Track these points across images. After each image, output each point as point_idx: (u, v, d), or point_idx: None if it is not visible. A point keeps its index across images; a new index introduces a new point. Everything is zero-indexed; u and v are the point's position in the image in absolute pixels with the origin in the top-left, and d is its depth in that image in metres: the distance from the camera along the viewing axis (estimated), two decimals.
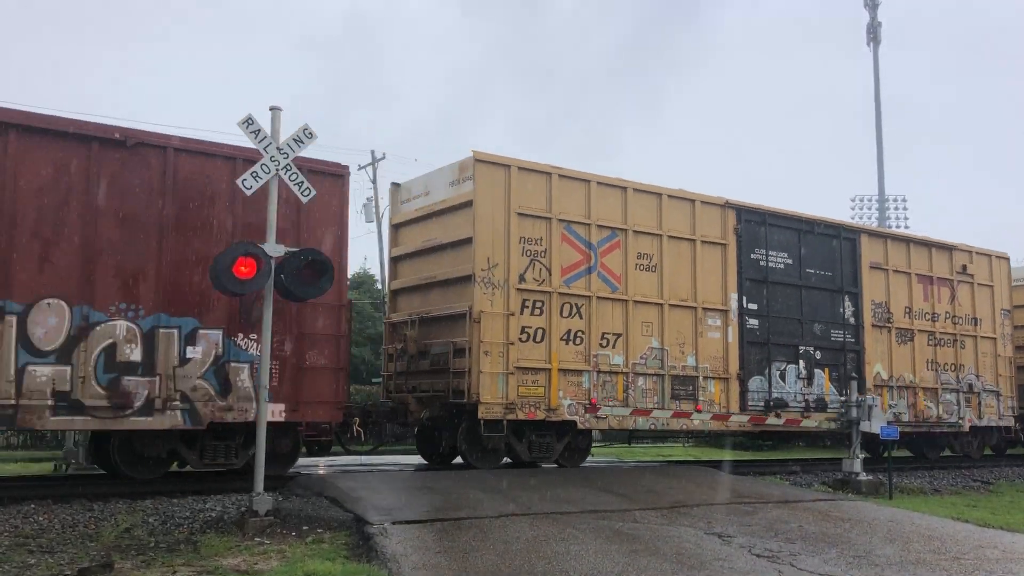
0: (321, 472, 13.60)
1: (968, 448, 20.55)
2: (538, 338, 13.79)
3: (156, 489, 10.81)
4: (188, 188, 11.03)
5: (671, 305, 15.22)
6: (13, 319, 9.87)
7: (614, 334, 14.55)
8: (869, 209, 59.04)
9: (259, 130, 9.35)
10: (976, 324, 20.15)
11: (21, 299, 9.95)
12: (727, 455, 22.95)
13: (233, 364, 11.13)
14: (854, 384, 15.57)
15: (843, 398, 17.47)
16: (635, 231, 14.94)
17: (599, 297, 14.42)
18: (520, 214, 13.80)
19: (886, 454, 21.03)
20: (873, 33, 47.56)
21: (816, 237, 17.60)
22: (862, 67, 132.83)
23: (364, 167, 37.63)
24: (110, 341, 10.40)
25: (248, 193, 9.41)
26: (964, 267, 20.03)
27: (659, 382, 14.98)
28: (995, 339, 20.45)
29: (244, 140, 9.69)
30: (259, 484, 9.11)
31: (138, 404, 10.48)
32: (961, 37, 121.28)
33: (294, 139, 9.53)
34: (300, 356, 11.65)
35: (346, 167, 12.40)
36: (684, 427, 15.67)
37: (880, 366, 18.33)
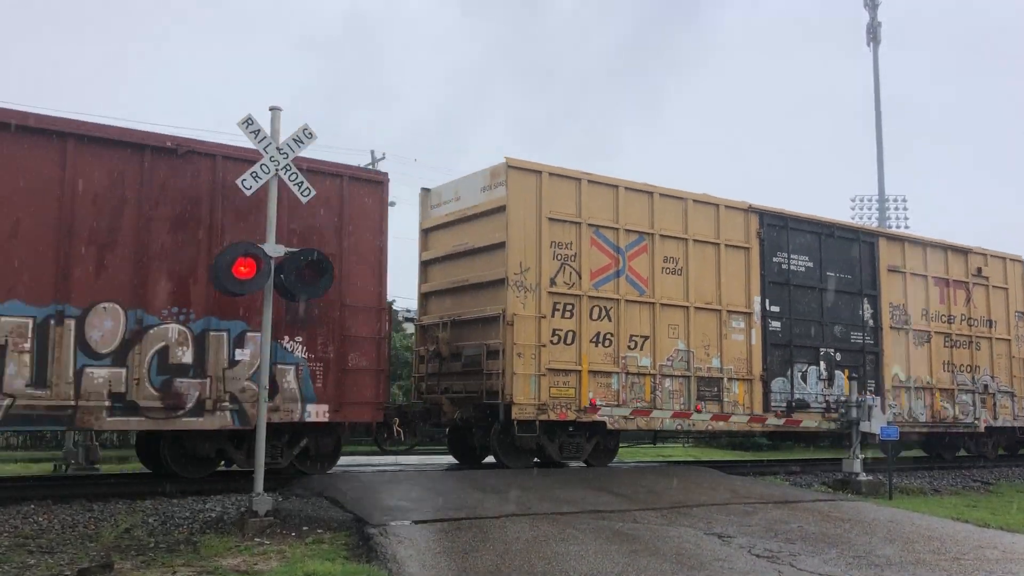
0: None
1: (983, 448, 20.84)
2: (569, 340, 14.10)
3: (156, 489, 10.95)
4: (235, 195, 11.31)
5: (696, 308, 15.53)
6: (72, 323, 10.18)
7: (642, 336, 14.85)
8: (869, 209, 59.25)
9: (259, 130, 9.45)
10: (991, 326, 20.44)
11: (79, 303, 10.26)
12: (727, 455, 23.24)
13: (280, 366, 11.44)
14: (854, 384, 15.69)
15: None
16: (662, 235, 15.25)
17: (627, 300, 14.73)
18: (551, 219, 14.10)
19: (898, 454, 21.53)
20: (873, 33, 47.77)
21: (836, 241, 17.91)
22: (862, 67, 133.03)
23: (366, 167, 37.94)
24: (163, 344, 10.71)
25: (248, 193, 9.53)
26: (979, 270, 20.32)
27: (685, 383, 15.28)
28: (1009, 341, 20.73)
29: (245, 140, 9.79)
30: (259, 484, 9.20)
31: (189, 405, 10.79)
32: (961, 37, 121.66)
33: (294, 139, 9.63)
34: (343, 358, 11.96)
35: (385, 174, 12.74)
36: (683, 427, 15.76)
37: (898, 367, 18.62)
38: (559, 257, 14.14)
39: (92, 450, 14.62)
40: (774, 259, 16.82)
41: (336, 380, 11.88)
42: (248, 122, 9.34)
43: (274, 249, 9.47)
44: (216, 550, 7.94)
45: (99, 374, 10.28)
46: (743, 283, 16.27)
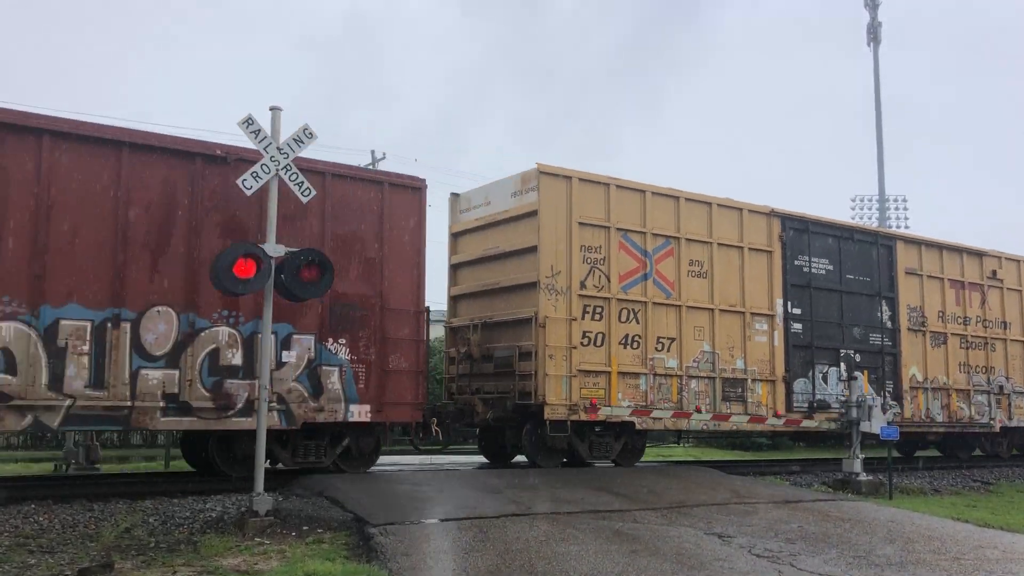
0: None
1: (998, 448, 21.15)
2: (598, 342, 14.41)
3: (156, 489, 11.11)
4: (281, 202, 11.63)
5: (721, 310, 15.84)
6: (128, 326, 10.51)
7: (668, 338, 15.16)
8: (869, 209, 59.39)
9: (259, 130, 9.44)
10: (1005, 328, 20.74)
11: (134, 307, 10.58)
12: (727, 455, 23.46)
13: (324, 367, 11.76)
14: (854, 384, 15.75)
15: (881, 400, 18.19)
16: (687, 239, 15.56)
17: (654, 303, 15.04)
18: (581, 223, 14.42)
19: (913, 453, 21.85)
20: (873, 33, 48.03)
21: (855, 244, 18.22)
22: (862, 67, 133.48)
23: (367, 167, 38.15)
24: (213, 346, 11.03)
25: (248, 193, 9.52)
26: (994, 272, 20.63)
27: (710, 384, 15.59)
28: (1023, 342, 21.05)
29: (247, 140, 9.76)
30: (259, 484, 9.20)
31: (239, 405, 11.11)
32: (961, 37, 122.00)
33: (294, 139, 9.63)
34: (384, 360, 12.27)
35: (423, 180, 13.03)
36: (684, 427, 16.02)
37: (915, 368, 18.93)
38: (588, 261, 14.45)
39: (92, 450, 14.64)
40: (795, 262, 17.13)
41: (377, 381, 12.19)
42: (248, 122, 9.36)
43: (274, 249, 9.48)
44: (216, 550, 7.94)
45: (153, 375, 10.60)
46: (766, 286, 16.58)
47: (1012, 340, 20.80)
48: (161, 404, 10.63)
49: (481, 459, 16.46)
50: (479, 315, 15.37)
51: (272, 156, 9.49)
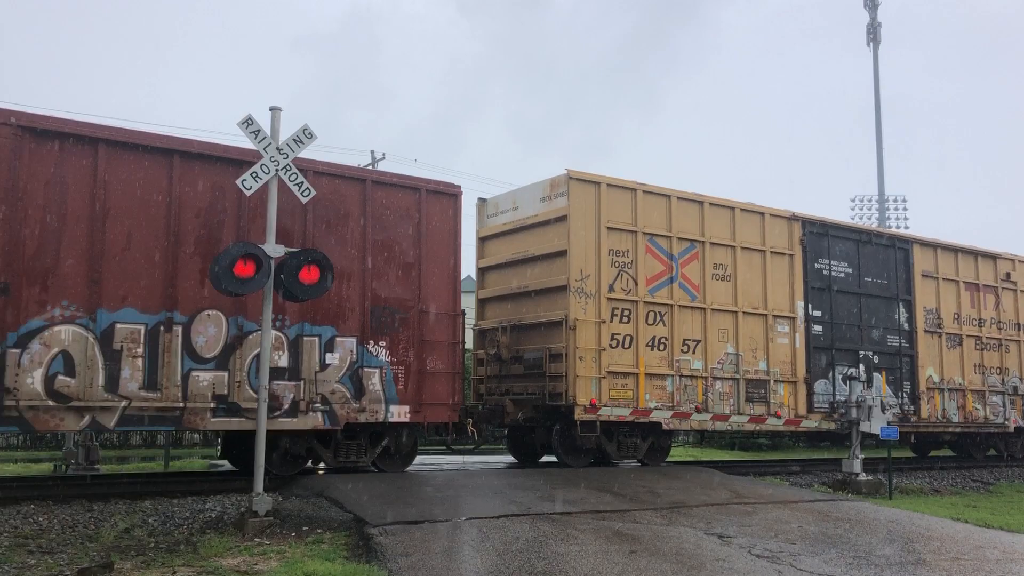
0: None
1: (1012, 448, 21.44)
2: (626, 344, 14.71)
3: (156, 489, 11.24)
4: (325, 208, 11.98)
5: (744, 313, 16.14)
6: (179, 329, 10.82)
7: (694, 340, 15.47)
8: (869, 209, 59.48)
9: (259, 130, 9.45)
10: (1019, 329, 21.04)
11: (185, 311, 10.90)
12: (727, 455, 23.64)
13: (366, 369, 12.07)
14: (854, 384, 15.93)
15: (899, 400, 18.52)
16: (711, 243, 15.87)
17: (680, 305, 15.35)
18: (609, 228, 14.72)
19: (928, 454, 22.17)
20: (873, 33, 48.28)
21: (873, 247, 18.53)
22: (862, 66, 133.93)
23: (365, 167, 38.27)
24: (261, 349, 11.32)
25: (248, 193, 9.55)
26: (1008, 274, 20.94)
27: (735, 386, 15.90)
28: None
29: (246, 141, 9.74)
30: (259, 484, 9.23)
31: (285, 406, 11.42)
32: (962, 34, 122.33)
33: (294, 139, 9.63)
34: (422, 362, 12.58)
35: (459, 187, 13.33)
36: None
37: (932, 370, 19.24)
38: (616, 264, 14.76)
39: (92, 450, 14.70)
40: (815, 265, 17.44)
41: (416, 382, 12.50)
42: (248, 122, 9.37)
43: (274, 249, 9.47)
44: (216, 550, 7.96)
45: (204, 377, 10.91)
46: (787, 288, 16.89)
47: None
48: (211, 405, 10.94)
49: (508, 459, 16.74)
50: (508, 318, 15.68)
51: (272, 156, 9.50)
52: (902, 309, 18.86)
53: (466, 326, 13.65)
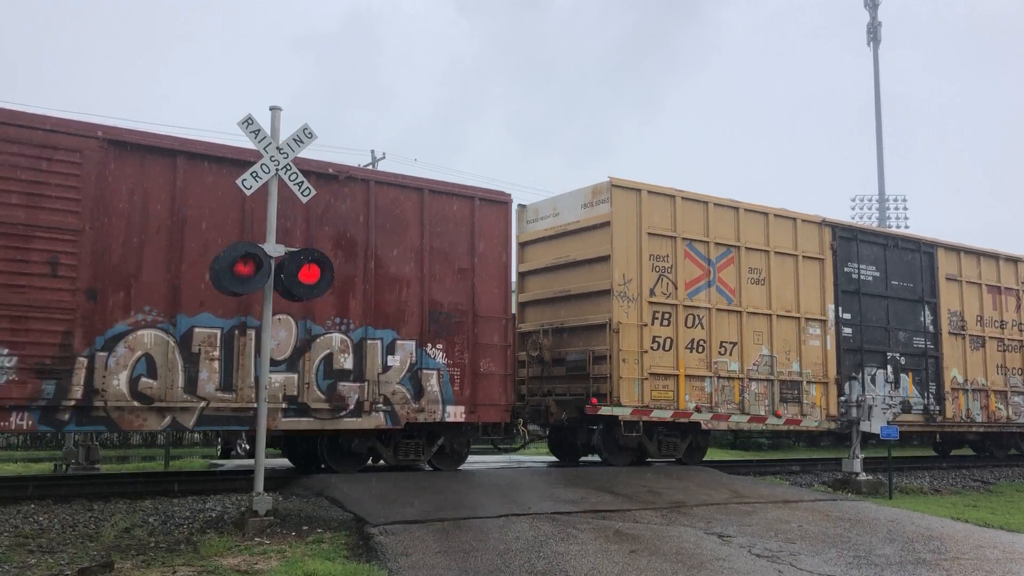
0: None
1: None
2: (667, 347, 15.19)
3: (156, 489, 11.33)
4: (386, 216, 12.46)
5: (778, 316, 16.62)
6: (253, 333, 11.28)
7: (730, 342, 15.95)
8: (869, 209, 59.95)
9: (259, 130, 9.46)
10: None
11: (258, 315, 11.28)
12: (727, 455, 23.92)
13: (424, 371, 12.54)
14: (854, 384, 16.01)
15: (924, 401, 18.99)
16: (747, 248, 16.35)
17: (718, 309, 15.83)
18: (650, 233, 15.21)
19: (949, 452, 22.61)
20: (873, 33, 48.70)
21: (899, 251, 19.01)
22: (862, 65, 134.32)
23: (365, 167, 38.34)
24: (328, 351, 11.82)
25: (248, 193, 9.54)
26: None
27: (769, 387, 16.38)
28: None
29: (246, 141, 9.78)
30: (259, 484, 9.24)
31: (351, 406, 11.89)
32: (962, 36, 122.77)
33: (294, 139, 9.63)
34: (476, 364, 13.05)
35: (509, 195, 13.82)
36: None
37: (956, 371, 19.71)
38: (657, 269, 15.24)
39: (92, 450, 14.78)
40: (845, 269, 17.91)
41: (470, 384, 12.97)
42: (248, 122, 9.38)
43: (274, 249, 9.45)
44: (216, 550, 7.95)
45: (276, 379, 11.37)
46: (818, 292, 17.37)
47: None
48: (283, 405, 11.41)
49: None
50: (549, 321, 16.15)
51: (272, 156, 9.50)
52: (927, 311, 19.34)
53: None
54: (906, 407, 18.55)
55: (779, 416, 16.29)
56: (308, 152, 10.22)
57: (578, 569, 7.53)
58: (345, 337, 11.97)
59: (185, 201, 11.03)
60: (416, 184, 12.79)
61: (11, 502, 10.00)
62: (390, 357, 12.31)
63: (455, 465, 13.48)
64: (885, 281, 18.63)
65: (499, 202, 13.62)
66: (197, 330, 10.94)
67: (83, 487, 11.19)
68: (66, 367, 10.06)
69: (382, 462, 12.99)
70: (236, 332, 11.20)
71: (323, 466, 12.72)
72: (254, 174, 9.45)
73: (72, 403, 10.08)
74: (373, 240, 12.29)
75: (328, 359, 11.81)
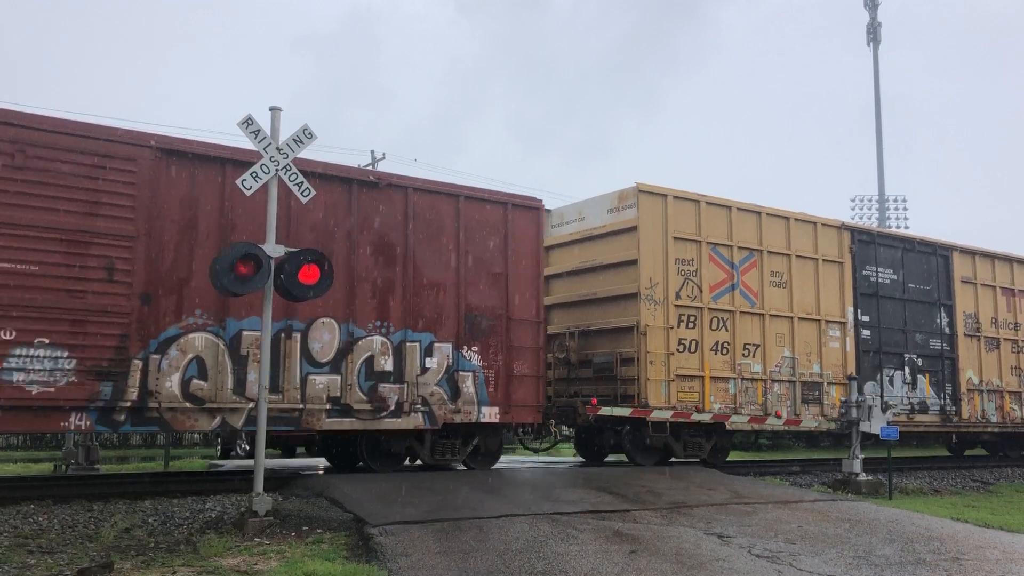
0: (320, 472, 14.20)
1: None
2: (692, 349, 15.51)
3: (155, 489, 11.42)
4: (423, 222, 12.78)
5: (799, 318, 16.94)
6: (298, 336, 11.62)
7: (753, 344, 16.27)
8: (869, 209, 60.07)
9: (259, 130, 9.45)
10: None
11: (303, 319, 11.70)
12: (728, 455, 24.08)
13: (461, 373, 12.86)
14: (853, 384, 16.09)
15: (941, 402, 19.31)
16: (769, 251, 16.67)
17: (741, 311, 16.15)
18: (675, 238, 15.53)
19: (963, 453, 22.93)
20: (873, 33, 48.95)
21: (915, 255, 19.33)
22: (862, 65, 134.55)
23: (364, 167, 38.56)
24: (369, 354, 12.14)
25: (247, 193, 9.52)
26: None
27: (791, 388, 16.69)
28: None
29: (246, 142, 9.75)
30: (259, 484, 9.26)
31: (391, 407, 12.21)
32: (962, 36, 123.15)
33: (294, 139, 9.64)
34: (509, 366, 13.37)
35: (540, 201, 14.15)
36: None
37: (972, 372, 20.03)
38: (682, 273, 15.56)
39: (92, 450, 14.83)
40: (863, 272, 18.24)
41: (504, 385, 13.30)
42: (248, 122, 9.39)
43: (274, 249, 9.47)
44: (216, 550, 7.96)
45: (320, 381, 11.71)
46: (838, 294, 17.69)
47: None
48: (327, 406, 11.74)
49: (557, 459, 17.54)
50: (575, 323, 16.46)
51: (272, 156, 9.50)
52: (943, 314, 19.65)
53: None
54: (923, 408, 18.87)
55: (779, 417, 16.51)
56: (310, 153, 10.27)
57: (578, 569, 7.56)
58: (385, 340, 12.29)
59: (233, 207, 11.35)
60: (452, 191, 13.12)
61: (11, 502, 10.07)
62: (428, 359, 12.63)
63: (489, 464, 13.81)
64: (902, 284, 18.95)
65: (531, 208, 13.95)
66: (245, 333, 11.26)
67: (83, 487, 11.28)
68: (122, 369, 10.39)
69: (418, 462, 13.30)
70: (282, 335, 11.51)
71: (361, 465, 13.06)
72: (254, 174, 9.46)
73: (128, 404, 10.41)
74: (411, 245, 12.62)
75: (369, 361, 12.13)
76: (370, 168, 37.36)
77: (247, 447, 13.99)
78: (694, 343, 15.54)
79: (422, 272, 12.73)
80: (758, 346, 16.33)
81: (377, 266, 12.35)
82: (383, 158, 38.89)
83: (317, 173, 11.99)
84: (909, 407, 18.58)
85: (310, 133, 9.72)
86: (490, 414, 13.12)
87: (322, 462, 16.70)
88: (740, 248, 16.32)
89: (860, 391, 16.98)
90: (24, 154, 10.03)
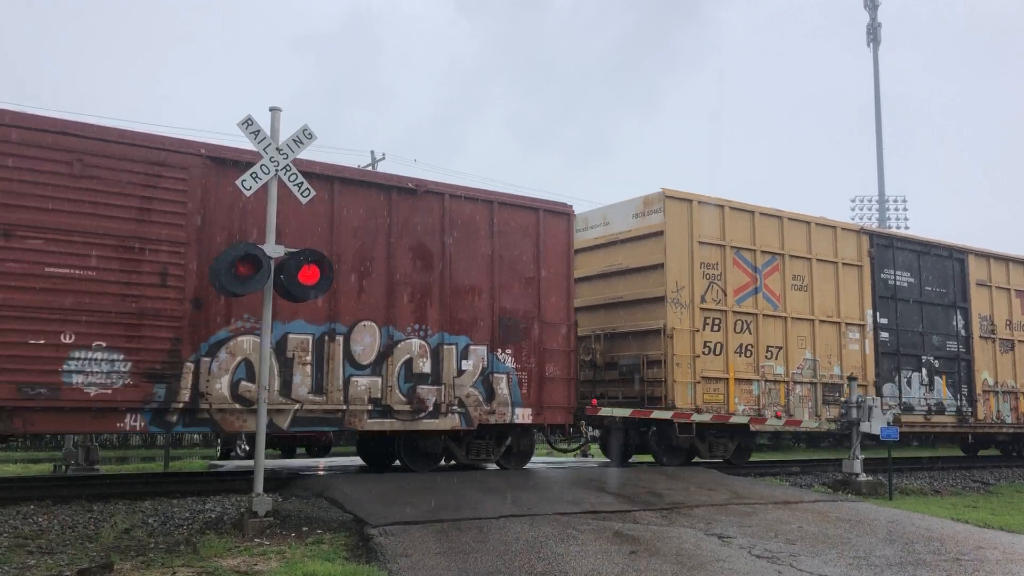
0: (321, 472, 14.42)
1: None
2: (717, 351, 15.83)
3: (155, 490, 11.53)
4: (459, 227, 13.10)
5: (820, 321, 17.25)
6: (341, 339, 11.94)
7: (776, 347, 16.57)
8: (869, 209, 60.33)
9: (259, 131, 9.48)
10: None
11: (345, 322, 12.02)
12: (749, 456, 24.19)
13: (495, 375, 13.17)
14: (854, 384, 16.16)
15: (957, 403, 19.60)
16: (790, 255, 16.98)
17: (764, 314, 16.46)
18: (700, 242, 15.84)
19: (976, 453, 23.23)
20: (873, 34, 49.18)
21: (932, 258, 19.64)
22: (862, 65, 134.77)
23: (364, 167, 38.67)
24: (408, 356, 12.46)
25: (247, 194, 9.57)
26: None
27: (812, 389, 17.00)
28: None
29: (249, 142, 9.75)
30: (259, 485, 9.27)
31: (429, 408, 12.53)
32: (962, 36, 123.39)
33: (294, 140, 9.66)
34: (541, 368, 13.68)
35: (571, 207, 14.46)
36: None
37: (987, 373, 20.33)
38: (707, 276, 15.87)
39: (92, 450, 14.83)
40: (881, 275, 18.55)
41: (537, 387, 13.61)
42: (248, 122, 9.41)
43: (274, 249, 9.48)
44: (216, 550, 7.97)
45: (362, 382, 12.03)
46: (857, 297, 18.00)
47: None
48: (368, 407, 12.05)
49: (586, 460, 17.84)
50: (600, 326, 16.77)
51: (272, 157, 9.53)
52: (959, 316, 19.96)
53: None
54: (940, 409, 19.17)
55: (779, 417, 16.64)
56: (311, 153, 10.28)
57: (578, 570, 7.58)
58: (423, 342, 12.61)
59: (279, 215, 11.62)
60: (486, 197, 13.44)
61: (11, 503, 10.13)
62: (464, 361, 12.93)
63: (521, 464, 14.12)
64: (919, 287, 19.26)
65: (561, 213, 14.26)
66: (291, 336, 11.58)
67: (83, 487, 11.36)
68: (175, 371, 10.70)
69: (452, 461, 13.60)
70: (326, 338, 11.83)
71: (397, 464, 13.38)
72: (254, 175, 9.50)
73: (180, 405, 10.73)
74: (448, 250, 12.93)
75: (408, 363, 12.44)
76: (369, 168, 37.69)
77: (247, 447, 14.28)
78: (719, 346, 15.85)
79: (458, 276, 13.04)
80: (780, 348, 16.63)
81: (415, 271, 12.66)
82: (383, 158, 38.94)
83: (356, 180, 12.35)
84: (927, 408, 18.89)
85: (310, 133, 9.79)
86: (523, 415, 13.43)
87: (322, 462, 17.07)
88: (763, 252, 16.63)
89: (898, 393, 17.24)
90: (82, 163, 10.35)
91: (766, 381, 16.32)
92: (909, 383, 18.74)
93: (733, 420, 15.47)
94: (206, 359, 10.96)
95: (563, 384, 13.93)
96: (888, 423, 15.29)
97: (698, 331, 15.56)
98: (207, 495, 11.21)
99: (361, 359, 12.08)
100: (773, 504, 11.54)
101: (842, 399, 17.22)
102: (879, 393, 18.03)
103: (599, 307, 17.01)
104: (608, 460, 17.48)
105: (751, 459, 16.32)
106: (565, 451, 16.78)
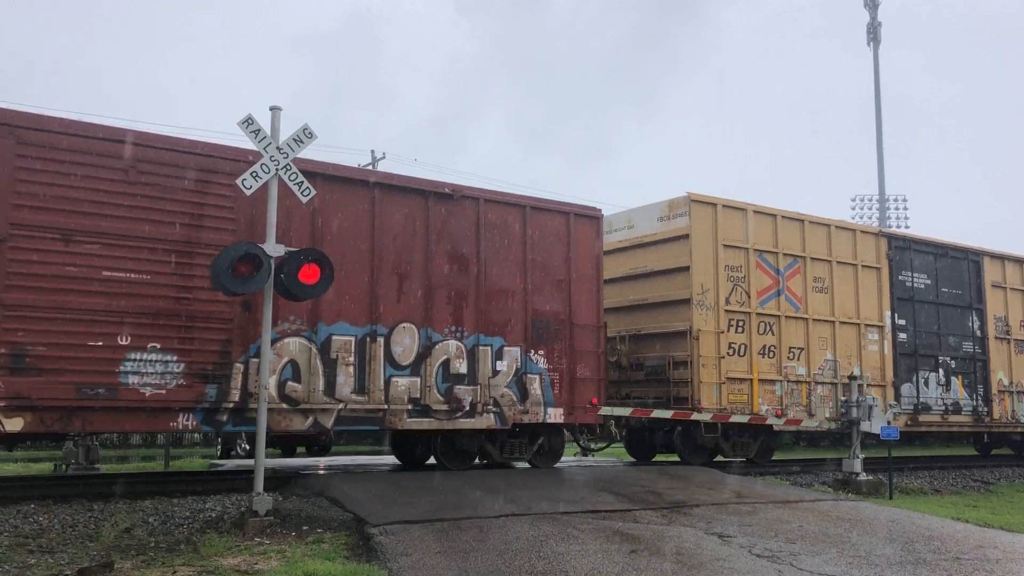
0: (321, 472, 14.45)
1: None
2: (741, 352, 16.14)
3: (156, 489, 11.50)
4: (493, 231, 13.42)
5: (840, 322, 17.57)
6: (382, 340, 12.25)
7: (798, 348, 16.89)
8: (869, 209, 60.62)
9: (259, 130, 9.48)
10: None
11: (386, 324, 12.34)
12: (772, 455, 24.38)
13: (528, 375, 13.49)
14: (854, 384, 16.24)
15: (973, 402, 19.91)
16: (812, 258, 17.31)
17: (786, 316, 16.78)
18: (724, 245, 16.17)
19: (989, 453, 23.52)
20: (873, 33, 49.45)
21: (948, 260, 19.96)
22: (862, 65, 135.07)
23: (364, 167, 38.86)
24: (445, 357, 12.77)
25: (247, 193, 9.61)
26: None
27: (832, 389, 17.31)
28: None
29: (249, 142, 9.75)
30: (259, 484, 9.26)
31: (465, 408, 12.84)
32: (962, 36, 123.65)
33: (294, 139, 9.67)
34: (572, 369, 13.99)
35: (600, 211, 14.78)
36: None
37: (1002, 373, 20.64)
38: (731, 279, 16.20)
39: (92, 450, 14.76)
40: (899, 277, 18.87)
41: (568, 387, 13.92)
42: (248, 122, 9.41)
43: (274, 249, 9.46)
44: (216, 550, 7.95)
45: (402, 382, 12.35)
46: (876, 299, 18.32)
47: None
48: (408, 407, 12.37)
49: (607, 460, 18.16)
50: (626, 328, 17.09)
51: (272, 156, 9.54)
52: (975, 317, 20.27)
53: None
54: (956, 408, 19.49)
55: (779, 417, 16.81)
56: (311, 153, 10.31)
57: (578, 569, 7.56)
58: (460, 344, 12.92)
59: (323, 220, 11.98)
60: (519, 201, 13.76)
61: (11, 502, 10.11)
62: (498, 362, 13.25)
63: (552, 463, 14.43)
64: (936, 289, 19.58)
65: (591, 217, 14.58)
66: (335, 338, 11.90)
67: (83, 487, 11.29)
68: (225, 372, 11.02)
69: (485, 460, 13.92)
70: (368, 339, 12.15)
71: (434, 462, 13.70)
72: (254, 174, 9.51)
73: (231, 405, 11.04)
74: (482, 254, 13.25)
75: (446, 364, 12.76)
76: (370, 168, 37.97)
77: (247, 447, 14.44)
78: (743, 347, 16.17)
79: (492, 279, 13.36)
80: (802, 349, 16.95)
81: (451, 273, 12.98)
82: (383, 158, 39.08)
83: (396, 186, 12.66)
84: (944, 408, 19.20)
85: (310, 133, 9.83)
86: (555, 415, 13.75)
87: (323, 462, 17.33)
88: (785, 255, 16.95)
89: (916, 393, 17.54)
90: (136, 170, 10.68)
91: (788, 381, 16.64)
92: (927, 383, 19.05)
93: (734, 419, 15.71)
94: (255, 360, 11.25)
95: (593, 384, 14.24)
96: (888, 422, 15.36)
97: (723, 332, 15.88)
98: (207, 494, 11.27)
99: (401, 360, 12.40)
100: (773, 503, 11.60)
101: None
102: (897, 393, 18.37)
103: (623, 309, 17.33)
104: (634, 460, 17.79)
105: (750, 459, 16.52)
106: (593, 451, 17.07)
